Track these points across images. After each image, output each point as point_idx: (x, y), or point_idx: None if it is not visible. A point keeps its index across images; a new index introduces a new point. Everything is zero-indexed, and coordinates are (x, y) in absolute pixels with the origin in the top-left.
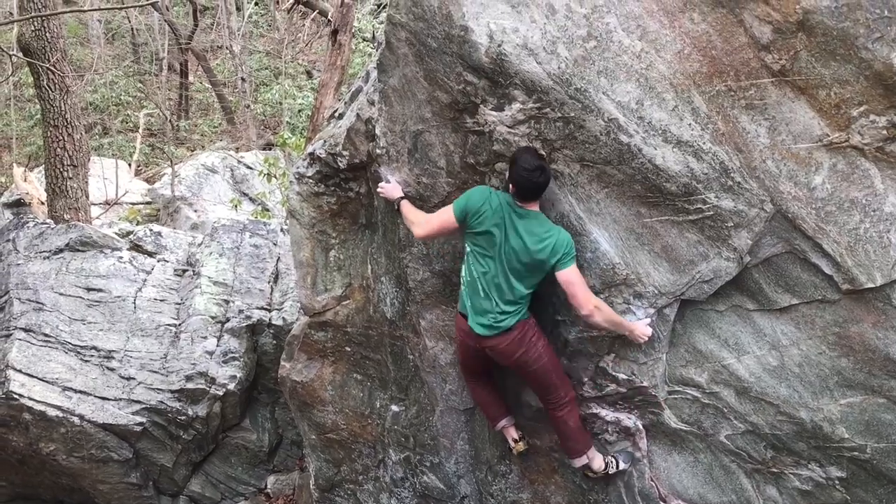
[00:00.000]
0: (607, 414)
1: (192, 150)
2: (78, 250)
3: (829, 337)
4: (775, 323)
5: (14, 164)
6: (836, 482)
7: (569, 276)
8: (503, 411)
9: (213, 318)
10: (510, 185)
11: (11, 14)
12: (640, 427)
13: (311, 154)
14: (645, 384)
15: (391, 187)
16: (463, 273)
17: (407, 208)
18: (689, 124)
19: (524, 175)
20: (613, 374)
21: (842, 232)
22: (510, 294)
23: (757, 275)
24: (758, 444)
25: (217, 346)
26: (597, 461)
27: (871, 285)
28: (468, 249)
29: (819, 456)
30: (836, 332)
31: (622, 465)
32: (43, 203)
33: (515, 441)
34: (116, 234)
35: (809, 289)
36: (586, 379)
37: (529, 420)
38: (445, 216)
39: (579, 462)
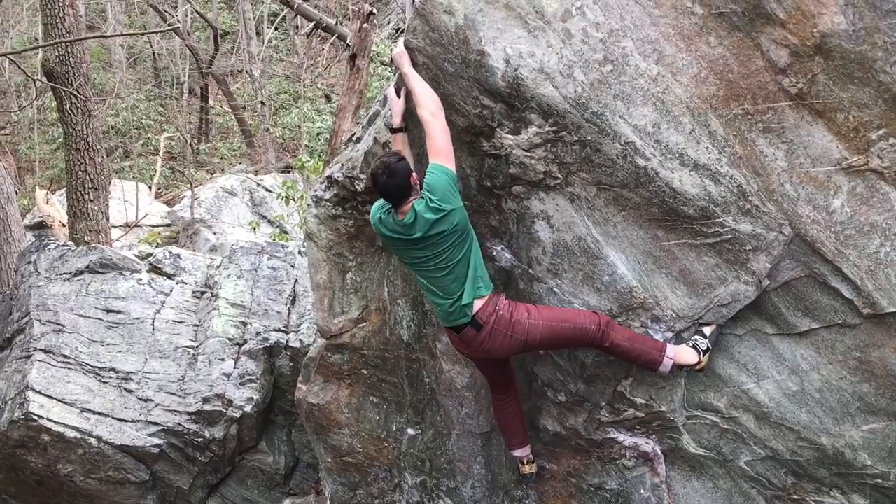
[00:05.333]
0: (625, 438)
1: (212, 173)
2: (98, 272)
3: (849, 362)
4: (795, 347)
5: (36, 187)
6: None
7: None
8: (520, 440)
9: (230, 340)
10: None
11: (36, 40)
12: (659, 452)
13: (329, 177)
14: (663, 409)
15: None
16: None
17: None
18: (707, 148)
19: (374, 183)
20: (631, 398)
21: (862, 256)
22: (458, 278)
23: (776, 299)
24: (778, 471)
25: (234, 368)
26: (685, 355)
27: (892, 310)
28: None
29: (841, 483)
30: (857, 356)
31: (707, 343)
32: (64, 225)
33: (523, 463)
34: (136, 256)
35: (829, 313)
36: (604, 403)
37: (547, 444)
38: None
39: (667, 368)
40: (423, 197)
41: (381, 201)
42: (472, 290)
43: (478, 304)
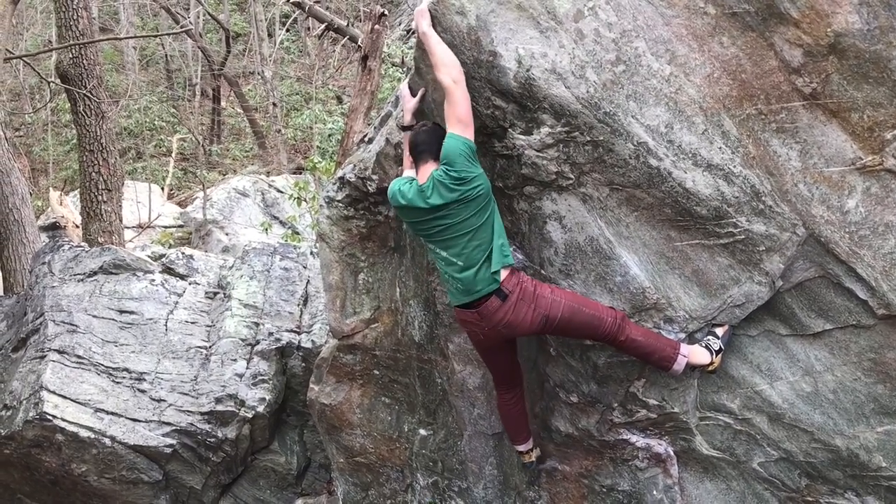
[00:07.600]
0: (638, 440)
1: (224, 174)
2: (111, 273)
3: (864, 363)
4: (809, 348)
5: (50, 189)
6: None
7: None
8: (524, 436)
9: (242, 340)
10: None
11: (50, 42)
12: (672, 453)
13: (341, 178)
14: (676, 410)
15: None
16: (437, 262)
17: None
18: (720, 148)
19: (411, 135)
20: (644, 399)
21: (876, 256)
22: (481, 244)
23: (790, 299)
24: (792, 472)
25: (247, 368)
26: (697, 355)
27: None
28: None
29: (855, 485)
30: (871, 357)
31: (720, 344)
32: (78, 226)
33: (521, 453)
34: (149, 256)
35: (843, 314)
36: (616, 404)
37: (559, 446)
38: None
39: (681, 366)
40: (441, 167)
41: (400, 178)
42: (499, 256)
43: (504, 273)
